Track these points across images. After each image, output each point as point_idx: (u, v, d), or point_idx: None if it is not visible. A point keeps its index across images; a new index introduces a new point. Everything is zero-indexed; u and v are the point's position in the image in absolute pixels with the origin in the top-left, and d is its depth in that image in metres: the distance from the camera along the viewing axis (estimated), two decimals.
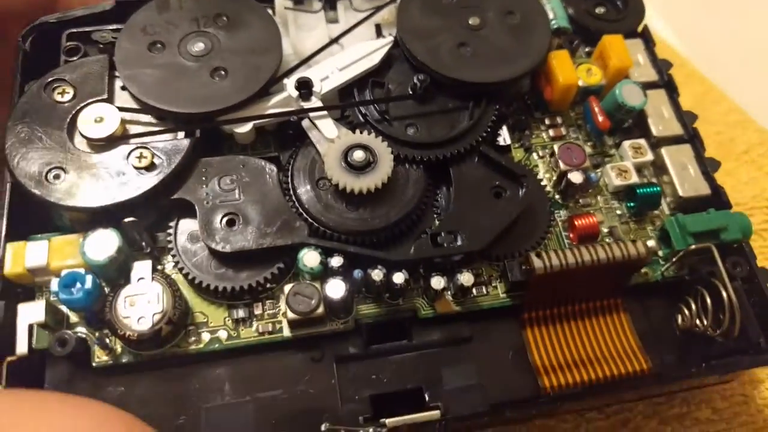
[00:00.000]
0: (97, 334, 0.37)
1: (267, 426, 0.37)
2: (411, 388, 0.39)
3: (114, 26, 0.46)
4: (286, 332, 0.39)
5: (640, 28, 0.51)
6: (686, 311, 0.40)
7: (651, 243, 0.43)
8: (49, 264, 0.37)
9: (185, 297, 0.39)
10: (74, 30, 0.46)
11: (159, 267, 0.40)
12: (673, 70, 0.71)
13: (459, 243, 0.39)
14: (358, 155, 0.39)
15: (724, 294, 0.39)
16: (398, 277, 0.38)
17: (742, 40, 0.72)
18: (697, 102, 0.67)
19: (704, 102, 0.68)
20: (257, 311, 0.39)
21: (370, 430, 0.37)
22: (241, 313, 0.39)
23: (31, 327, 0.36)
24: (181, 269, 0.39)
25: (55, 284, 0.36)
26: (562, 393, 0.40)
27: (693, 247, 0.40)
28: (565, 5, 0.51)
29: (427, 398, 0.39)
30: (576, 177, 0.42)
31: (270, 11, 0.47)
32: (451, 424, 0.38)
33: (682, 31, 0.66)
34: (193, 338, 0.38)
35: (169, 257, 0.40)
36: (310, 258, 0.38)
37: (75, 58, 0.44)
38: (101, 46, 0.45)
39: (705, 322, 0.39)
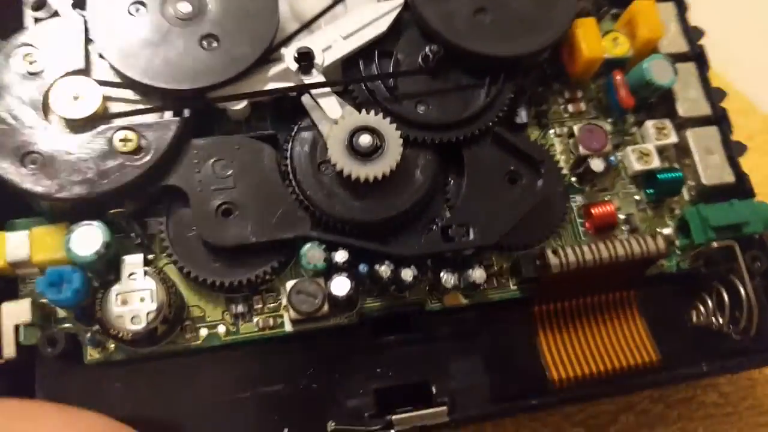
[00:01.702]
0: (88, 334, 0.35)
1: (270, 423, 0.37)
2: (417, 382, 0.38)
3: None
4: (288, 327, 0.37)
5: None
6: (702, 308, 0.39)
7: (667, 231, 0.42)
8: (31, 258, 0.35)
9: (180, 291, 0.37)
10: None
11: (151, 257, 0.37)
12: None
13: (471, 237, 0.37)
14: (365, 140, 0.36)
15: (743, 292, 0.38)
16: (407, 274, 0.36)
17: (744, 26, 0.67)
18: None
19: None
20: (257, 305, 0.37)
21: (377, 427, 0.36)
22: (240, 307, 0.37)
23: (17, 328, 0.34)
24: (174, 262, 0.36)
25: (40, 283, 0.34)
26: (570, 386, 0.39)
27: (715, 244, 0.39)
28: None
29: (434, 391, 0.38)
30: (597, 165, 0.40)
31: None
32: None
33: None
34: (190, 334, 0.37)
35: (162, 246, 0.37)
36: (313, 255, 0.35)
37: (43, 14, 0.39)
38: None
39: (721, 321, 0.38)
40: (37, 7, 0.40)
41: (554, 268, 0.36)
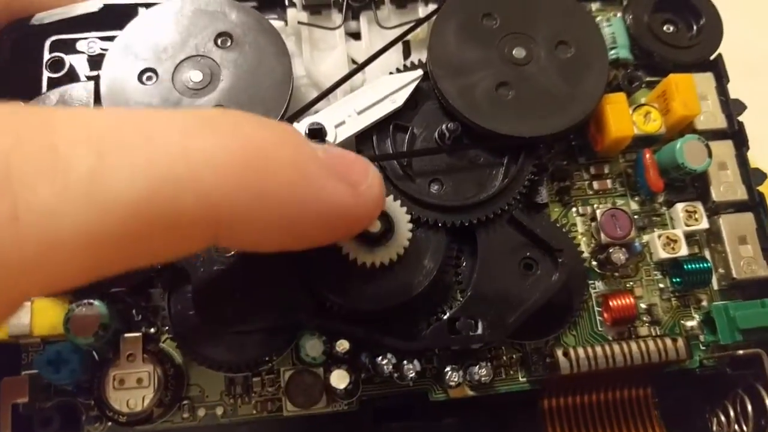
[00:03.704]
0: (84, 417, 0.35)
1: None
2: None
3: (103, 33, 0.40)
4: (286, 411, 0.36)
5: (713, 56, 0.43)
6: (723, 417, 0.37)
7: (692, 323, 0.39)
8: (32, 332, 0.35)
9: (180, 369, 0.36)
10: (58, 37, 0.40)
11: (152, 330, 0.37)
12: None
13: (479, 331, 0.35)
14: (373, 225, 0.35)
15: None
16: (409, 371, 0.35)
17: None
18: None
19: None
20: (256, 387, 0.37)
21: None
22: (239, 388, 0.36)
23: (15, 406, 0.34)
24: (174, 340, 0.36)
25: (38, 361, 0.34)
26: None
27: (741, 352, 0.36)
28: (624, 17, 0.43)
29: None
30: (618, 257, 0.37)
31: (281, 23, 0.40)
32: None
33: None
34: (187, 414, 0.36)
35: (164, 321, 0.37)
36: (312, 347, 0.34)
37: (59, 74, 0.39)
38: (88, 57, 0.40)
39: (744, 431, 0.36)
40: (54, 69, 0.39)
41: (563, 369, 0.35)
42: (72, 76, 0.40)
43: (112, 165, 0.19)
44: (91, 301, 0.34)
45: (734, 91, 0.42)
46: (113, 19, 0.40)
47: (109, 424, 0.35)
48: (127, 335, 0.35)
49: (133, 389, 0.34)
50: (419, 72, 0.39)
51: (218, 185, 0.22)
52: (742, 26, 0.51)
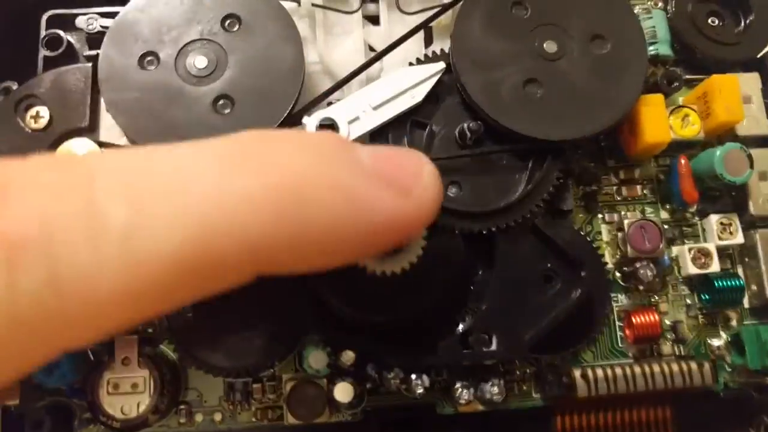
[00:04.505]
0: (76, 421, 0.34)
1: None
2: None
3: (103, 9, 0.38)
4: (287, 419, 0.35)
5: (760, 54, 0.40)
6: None
7: (718, 342, 0.37)
8: None
9: (178, 372, 0.35)
10: (55, 12, 0.38)
11: (149, 330, 0.35)
12: None
13: (493, 347, 0.33)
14: None
15: None
16: (418, 386, 0.33)
17: None
18: None
19: None
20: (257, 394, 0.35)
21: None
22: (238, 394, 0.35)
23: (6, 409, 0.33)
24: (172, 344, 0.34)
25: None
26: None
27: None
28: (666, 8, 0.40)
29: None
30: (645, 274, 0.35)
31: (293, 5, 0.37)
32: None
33: None
34: (184, 419, 0.35)
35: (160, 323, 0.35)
36: (316, 359, 0.33)
37: (56, 53, 0.37)
38: (87, 35, 0.37)
39: None
40: (51, 47, 0.37)
41: (581, 392, 0.33)
42: (70, 55, 0.37)
43: (147, 217, 0.18)
44: None
45: None
46: None
47: (102, 428, 0.34)
48: (122, 337, 0.33)
49: (127, 395, 0.32)
50: (441, 65, 0.36)
51: (256, 225, 0.20)
52: None
